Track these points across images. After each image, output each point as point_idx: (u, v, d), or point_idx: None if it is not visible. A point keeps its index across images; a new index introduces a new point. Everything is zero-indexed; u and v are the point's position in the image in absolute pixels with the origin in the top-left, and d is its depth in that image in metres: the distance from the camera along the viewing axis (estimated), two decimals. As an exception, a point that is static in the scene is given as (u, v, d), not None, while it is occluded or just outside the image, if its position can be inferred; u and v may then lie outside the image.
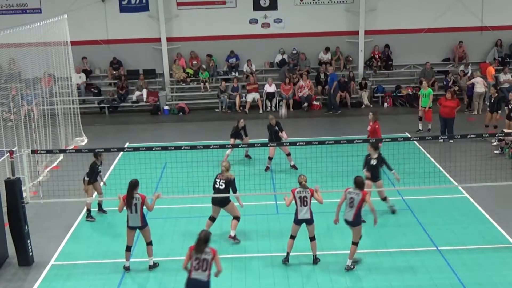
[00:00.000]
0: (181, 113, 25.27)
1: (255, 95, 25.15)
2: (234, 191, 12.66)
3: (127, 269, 11.60)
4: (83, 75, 25.94)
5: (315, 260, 11.62)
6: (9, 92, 17.29)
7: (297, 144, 14.59)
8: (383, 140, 13.61)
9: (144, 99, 25.53)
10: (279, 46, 26.41)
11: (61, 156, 18.34)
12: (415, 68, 26.85)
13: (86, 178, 13.97)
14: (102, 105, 25.76)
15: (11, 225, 11.80)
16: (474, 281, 10.87)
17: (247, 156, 18.17)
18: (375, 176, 13.57)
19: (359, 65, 26.56)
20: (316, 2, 26.35)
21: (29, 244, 11.89)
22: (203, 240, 9.15)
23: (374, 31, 26.44)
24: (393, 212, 13.88)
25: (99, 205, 14.62)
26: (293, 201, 11.45)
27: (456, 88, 24.22)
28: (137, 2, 26.12)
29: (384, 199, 13.84)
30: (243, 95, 25.34)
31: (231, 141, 17.36)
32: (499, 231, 12.87)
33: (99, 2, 25.91)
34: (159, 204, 14.55)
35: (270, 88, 25.17)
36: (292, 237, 11.58)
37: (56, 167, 17.78)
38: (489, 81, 23.90)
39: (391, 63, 26.80)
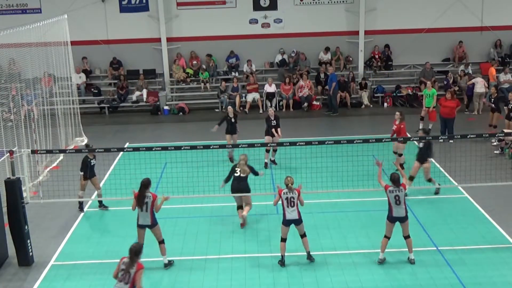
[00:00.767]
0: (181, 113, 25.27)
1: (255, 95, 25.15)
2: (256, 174, 13.82)
3: None
4: (83, 75, 25.94)
5: (310, 257, 11.62)
6: (9, 92, 17.29)
7: (297, 144, 14.56)
8: (383, 140, 13.57)
9: (144, 99, 25.53)
10: (279, 46, 26.42)
11: (61, 156, 18.34)
12: (415, 68, 26.85)
13: (80, 173, 14.17)
14: (102, 105, 25.77)
15: (11, 225, 11.80)
16: (474, 281, 10.87)
17: (231, 159, 17.67)
18: (423, 158, 14.56)
19: (359, 65, 26.57)
20: (316, 2, 26.35)
21: (29, 244, 11.89)
22: (133, 252, 8.92)
23: (374, 31, 26.45)
24: (437, 193, 14.82)
25: (99, 201, 14.67)
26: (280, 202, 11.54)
27: (456, 88, 24.22)
28: (137, 2, 26.12)
29: (429, 180, 14.67)
30: (243, 95, 25.34)
31: (227, 137, 17.57)
32: (499, 231, 12.88)
33: (99, 2, 25.92)
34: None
35: (270, 88, 25.16)
36: (283, 240, 11.59)
37: (56, 167, 17.78)
38: (491, 82, 23.90)
39: (391, 63, 26.81)
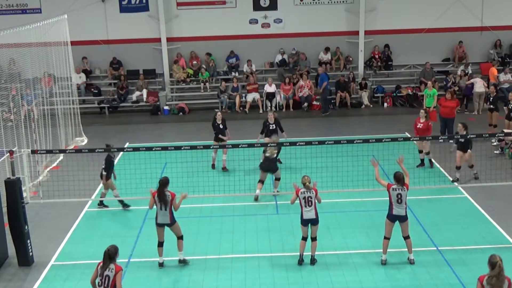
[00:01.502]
0: (181, 113, 25.27)
1: (255, 95, 25.15)
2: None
3: (161, 265, 11.67)
4: (83, 75, 25.94)
5: (313, 261, 11.62)
6: (9, 92, 17.29)
7: (297, 144, 14.58)
8: (383, 140, 13.56)
9: (144, 99, 25.54)
10: (279, 46, 26.42)
11: (61, 156, 18.34)
12: (415, 68, 26.85)
13: (104, 173, 14.14)
14: (102, 105, 25.77)
15: (11, 225, 11.80)
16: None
17: (224, 168, 17.08)
18: (465, 147, 15.32)
19: (359, 65, 26.57)
20: (316, 2, 26.35)
21: (29, 244, 11.89)
22: (108, 255, 8.75)
23: (374, 31, 26.44)
24: (476, 178, 15.54)
25: (101, 201, 14.70)
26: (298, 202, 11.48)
27: (456, 88, 24.22)
28: (137, 2, 26.12)
29: (471, 166, 15.58)
30: (243, 95, 25.34)
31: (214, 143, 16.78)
32: (499, 231, 12.87)
33: (99, 2, 25.92)
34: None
35: (270, 88, 25.17)
36: (304, 238, 11.58)
37: (56, 167, 17.78)
38: (492, 81, 23.90)
39: (391, 63, 26.81)
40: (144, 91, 25.52)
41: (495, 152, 18.18)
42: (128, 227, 13.60)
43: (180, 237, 11.65)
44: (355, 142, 12.73)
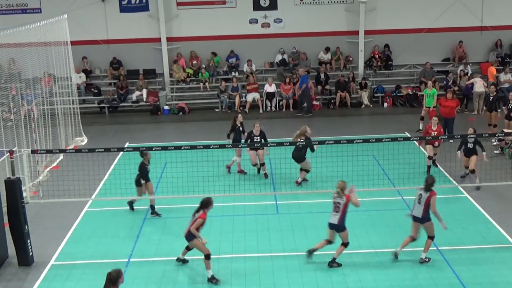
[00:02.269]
0: (181, 113, 25.27)
1: (255, 95, 25.15)
2: (312, 150, 15.01)
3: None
4: (83, 75, 25.94)
5: (331, 263, 11.49)
6: (9, 92, 17.28)
7: (297, 144, 14.58)
8: (383, 140, 13.56)
9: (144, 99, 25.54)
10: (279, 46, 26.42)
11: (61, 156, 18.34)
12: (415, 68, 26.85)
13: (142, 181, 13.88)
14: (102, 105, 25.77)
15: (11, 225, 11.80)
16: (474, 281, 10.87)
17: (240, 172, 16.70)
18: (470, 153, 15.33)
19: (359, 65, 26.56)
20: (316, 2, 26.35)
21: (29, 244, 11.89)
22: (109, 279, 8.44)
23: (374, 31, 26.45)
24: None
25: (153, 209, 14.12)
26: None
27: (456, 88, 24.23)
28: (137, 2, 26.12)
29: (473, 171, 15.25)
30: (243, 95, 25.34)
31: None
32: (499, 231, 12.87)
33: (99, 2, 25.92)
34: (159, 204, 14.64)
35: (270, 88, 25.16)
36: (328, 242, 11.58)
37: (56, 167, 17.78)
38: (490, 81, 23.92)
39: (391, 63, 26.81)
40: (144, 91, 25.51)
41: (495, 152, 18.17)
42: (128, 227, 13.60)
43: (205, 256, 11.12)
44: (355, 142, 12.73)
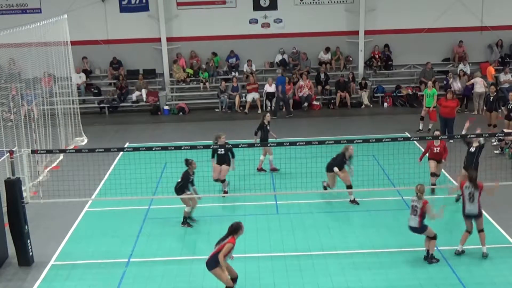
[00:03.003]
0: (181, 113, 25.27)
1: (255, 95, 25.15)
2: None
3: None
4: (83, 75, 25.95)
5: (431, 258, 11.53)
6: (9, 92, 17.28)
7: (297, 144, 14.58)
8: (383, 140, 13.53)
9: (144, 99, 25.54)
10: (279, 46, 26.42)
11: (61, 156, 18.34)
12: (415, 68, 26.85)
13: (188, 192, 13.42)
14: (102, 105, 25.77)
15: (11, 225, 11.80)
16: (474, 281, 10.87)
17: (273, 169, 17.01)
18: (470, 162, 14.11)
19: (359, 65, 26.57)
20: (316, 2, 26.35)
21: (29, 244, 11.89)
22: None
23: (374, 31, 26.45)
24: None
25: (186, 217, 13.66)
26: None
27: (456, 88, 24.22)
28: (137, 2, 26.12)
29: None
30: (243, 95, 25.34)
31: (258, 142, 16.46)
32: (499, 231, 12.88)
33: (99, 2, 25.92)
34: (159, 204, 14.65)
35: (270, 88, 25.16)
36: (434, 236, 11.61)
37: (56, 167, 17.78)
38: (489, 81, 23.93)
39: (391, 63, 26.81)
40: (143, 91, 25.51)
41: (495, 152, 18.18)
42: (128, 227, 13.60)
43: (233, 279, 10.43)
44: (355, 142, 12.74)
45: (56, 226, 13.76)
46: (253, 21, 26.61)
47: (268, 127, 16.73)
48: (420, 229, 11.40)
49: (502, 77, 24.72)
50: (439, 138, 15.43)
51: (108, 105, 25.71)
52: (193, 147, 12.80)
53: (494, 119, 19.46)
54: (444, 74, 25.76)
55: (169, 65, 26.31)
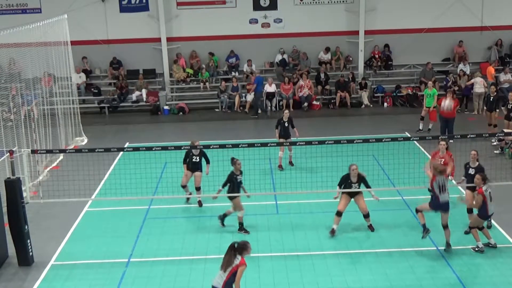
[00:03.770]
0: (181, 113, 25.27)
1: (255, 95, 25.15)
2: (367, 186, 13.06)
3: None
4: (83, 75, 25.95)
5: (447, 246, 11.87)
6: (9, 92, 17.28)
7: (297, 144, 14.58)
8: (383, 140, 13.54)
9: (144, 99, 25.54)
10: (279, 46, 26.42)
11: (61, 156, 18.34)
12: (415, 68, 26.86)
13: (236, 196, 12.89)
14: (102, 105, 25.77)
15: (11, 225, 11.79)
16: (474, 281, 10.87)
17: (291, 163, 17.38)
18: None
19: (359, 65, 26.58)
20: (316, 2, 26.35)
21: (29, 244, 11.88)
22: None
23: (374, 31, 26.46)
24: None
25: (242, 223, 13.16)
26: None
27: (456, 88, 24.23)
28: (137, 2, 26.12)
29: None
30: (243, 95, 25.34)
31: (280, 138, 16.98)
32: (499, 231, 12.87)
33: (99, 2, 25.92)
34: (159, 204, 14.65)
35: (270, 88, 25.16)
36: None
37: (56, 167, 17.78)
38: (489, 81, 23.94)
39: (391, 63, 26.82)
40: (144, 91, 25.51)
41: (495, 152, 18.18)
42: (128, 227, 13.59)
43: None
44: (355, 142, 12.72)
45: (56, 226, 13.76)
46: (253, 21, 26.61)
47: (286, 124, 16.99)
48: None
49: (502, 77, 24.73)
50: (439, 138, 15.41)
51: (108, 105, 25.71)
52: (193, 147, 12.78)
53: (494, 119, 19.46)
54: (444, 74, 25.76)
55: (169, 65, 26.31)
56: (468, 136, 14.09)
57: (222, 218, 13.35)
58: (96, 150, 13.28)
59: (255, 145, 13.92)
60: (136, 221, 13.85)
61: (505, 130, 17.54)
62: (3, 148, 14.75)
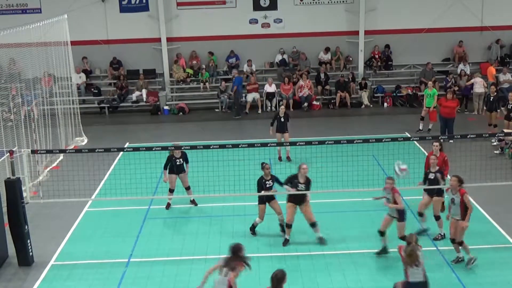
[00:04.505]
0: (181, 113, 25.27)
1: (255, 95, 25.15)
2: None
3: None
4: (83, 75, 25.94)
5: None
6: (9, 92, 17.28)
7: (297, 144, 14.58)
8: (383, 140, 13.53)
9: (144, 99, 25.53)
10: (279, 46, 26.42)
11: (61, 156, 18.34)
12: (415, 68, 26.85)
13: (273, 200, 12.81)
14: (102, 105, 25.77)
15: (11, 225, 11.80)
16: (474, 281, 10.88)
17: (288, 158, 17.92)
18: (432, 191, 12.86)
19: (359, 65, 26.57)
20: (316, 2, 26.35)
21: (29, 244, 11.89)
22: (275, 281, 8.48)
23: (374, 31, 26.45)
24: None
25: (283, 225, 12.91)
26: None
27: (456, 88, 24.23)
28: (137, 2, 26.12)
29: (421, 214, 13.04)
30: (243, 95, 25.33)
31: (276, 135, 17.78)
32: (499, 231, 12.88)
33: (99, 2, 25.92)
34: (159, 204, 14.65)
35: (270, 88, 25.16)
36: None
37: (56, 167, 17.78)
38: (490, 81, 23.94)
39: (391, 63, 26.81)
40: (144, 91, 25.51)
41: (495, 152, 18.18)
42: (128, 227, 13.60)
43: None
44: (355, 142, 12.71)
45: (56, 226, 13.76)
46: (253, 21, 26.60)
47: (282, 119, 17.71)
48: None
49: (502, 77, 24.72)
50: (439, 138, 15.41)
51: (108, 105, 25.71)
52: (193, 147, 12.79)
53: (494, 119, 19.46)
54: (444, 74, 25.76)
55: (169, 65, 26.31)
56: (468, 136, 14.09)
57: (252, 228, 13.05)
58: (96, 150, 13.28)
59: (255, 145, 13.93)
60: (136, 221, 13.86)
61: (505, 130, 17.54)
62: (3, 148, 14.75)
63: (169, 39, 26.22)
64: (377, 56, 26.71)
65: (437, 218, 12.69)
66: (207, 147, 12.98)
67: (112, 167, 17.71)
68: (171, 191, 14.55)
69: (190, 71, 26.27)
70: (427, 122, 20.83)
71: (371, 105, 25.55)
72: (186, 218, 14.16)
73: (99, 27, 26.05)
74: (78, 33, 23.27)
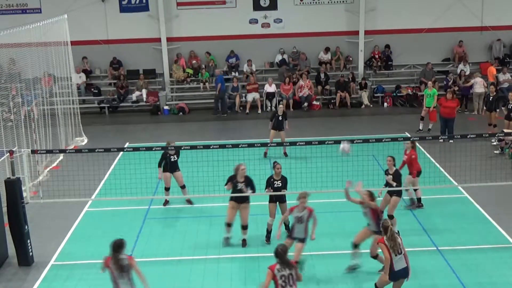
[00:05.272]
0: (181, 113, 25.27)
1: (255, 95, 25.15)
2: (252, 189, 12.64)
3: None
4: (83, 75, 25.94)
5: None
6: (9, 92, 17.28)
7: (297, 144, 14.57)
8: (383, 140, 13.54)
9: (144, 99, 25.54)
10: (279, 46, 26.42)
11: (61, 156, 18.34)
12: (415, 68, 26.86)
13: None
14: (102, 105, 25.77)
15: (11, 225, 11.80)
16: (474, 281, 10.87)
17: (285, 154, 18.40)
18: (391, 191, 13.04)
19: (359, 65, 26.57)
20: (316, 2, 26.35)
21: (29, 244, 11.89)
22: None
23: (374, 31, 26.45)
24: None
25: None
26: None
27: (456, 88, 24.23)
28: (137, 2, 26.12)
29: (391, 217, 12.90)
30: (243, 95, 25.34)
31: (271, 132, 18.17)
32: (499, 231, 12.87)
33: (99, 2, 25.92)
34: (159, 204, 14.65)
35: (270, 88, 25.16)
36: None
37: (56, 167, 17.78)
38: (490, 81, 23.94)
39: (391, 63, 26.81)
40: (144, 91, 25.51)
41: (495, 152, 18.18)
42: (128, 227, 13.59)
43: None
44: (355, 142, 12.72)
45: (56, 226, 13.76)
46: (253, 21, 26.61)
47: (280, 118, 18.06)
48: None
49: (502, 76, 24.72)
50: (439, 138, 15.44)
51: (108, 105, 25.71)
52: (193, 147, 12.79)
53: (494, 119, 19.47)
54: (444, 74, 25.76)
55: (169, 65, 26.31)
56: (468, 136, 14.09)
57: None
58: (96, 150, 13.26)
59: (255, 145, 13.93)
60: (136, 221, 13.86)
61: (505, 130, 17.54)
62: (3, 148, 14.75)
63: (169, 39, 26.22)
64: (377, 56, 26.72)
65: (391, 217, 12.66)
66: (207, 147, 12.98)
67: (112, 167, 17.71)
68: (167, 189, 14.56)
69: (190, 71, 26.26)
70: (427, 122, 20.83)
71: (371, 105, 25.55)
72: (186, 218, 14.16)
73: (99, 27, 26.06)
74: (78, 33, 23.27)
